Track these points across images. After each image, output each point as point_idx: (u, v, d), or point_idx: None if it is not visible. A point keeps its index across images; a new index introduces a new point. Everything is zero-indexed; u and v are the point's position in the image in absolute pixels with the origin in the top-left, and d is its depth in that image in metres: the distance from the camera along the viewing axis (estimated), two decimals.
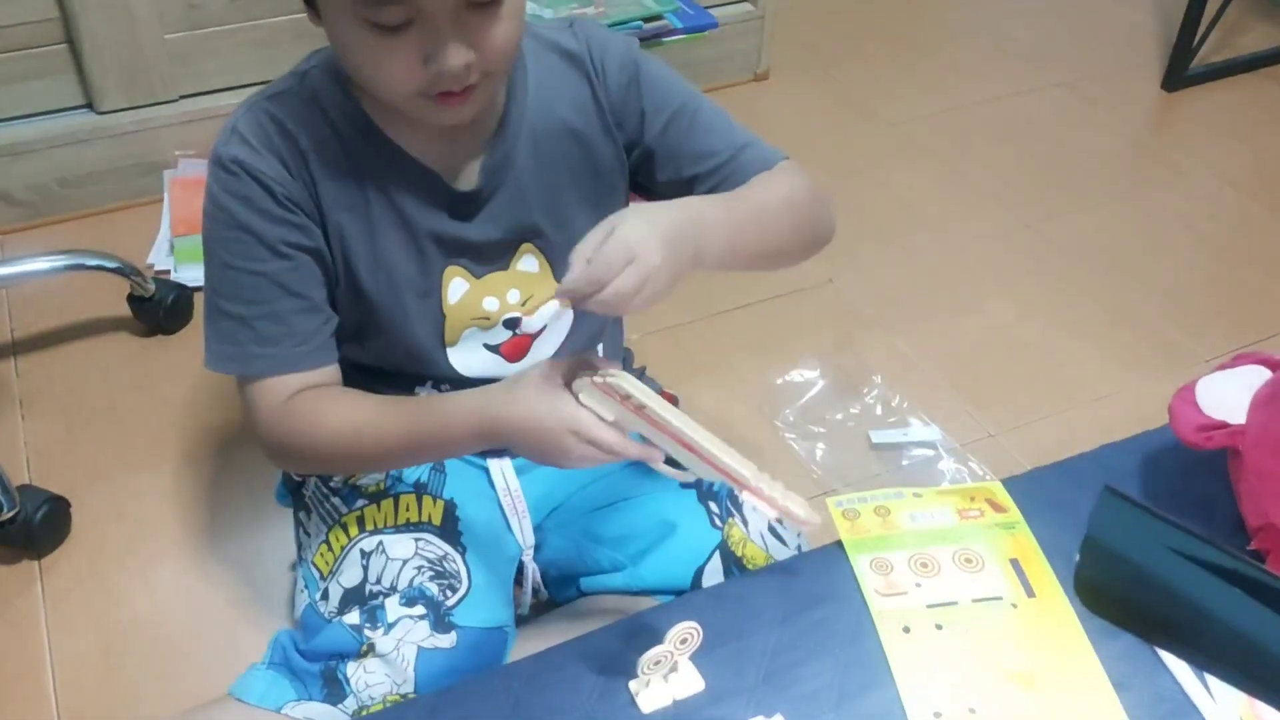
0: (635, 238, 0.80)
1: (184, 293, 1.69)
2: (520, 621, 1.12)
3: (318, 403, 0.95)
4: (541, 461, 0.88)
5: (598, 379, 0.83)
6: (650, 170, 1.03)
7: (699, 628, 0.82)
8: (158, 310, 1.67)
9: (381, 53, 0.83)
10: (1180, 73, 2.42)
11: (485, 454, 1.14)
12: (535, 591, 1.15)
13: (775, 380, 1.61)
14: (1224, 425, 0.93)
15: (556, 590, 1.17)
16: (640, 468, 1.15)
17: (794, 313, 1.78)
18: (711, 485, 1.12)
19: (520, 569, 1.12)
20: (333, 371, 0.98)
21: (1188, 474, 1.02)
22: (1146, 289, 1.86)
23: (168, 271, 1.79)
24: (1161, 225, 2.04)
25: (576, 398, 0.84)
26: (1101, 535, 0.46)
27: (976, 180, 2.15)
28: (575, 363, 0.86)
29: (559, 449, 0.84)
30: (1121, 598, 0.46)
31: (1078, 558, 0.45)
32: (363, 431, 0.94)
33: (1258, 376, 0.97)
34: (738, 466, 0.83)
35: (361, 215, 0.96)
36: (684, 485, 1.11)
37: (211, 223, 0.94)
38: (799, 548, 1.12)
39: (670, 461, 0.88)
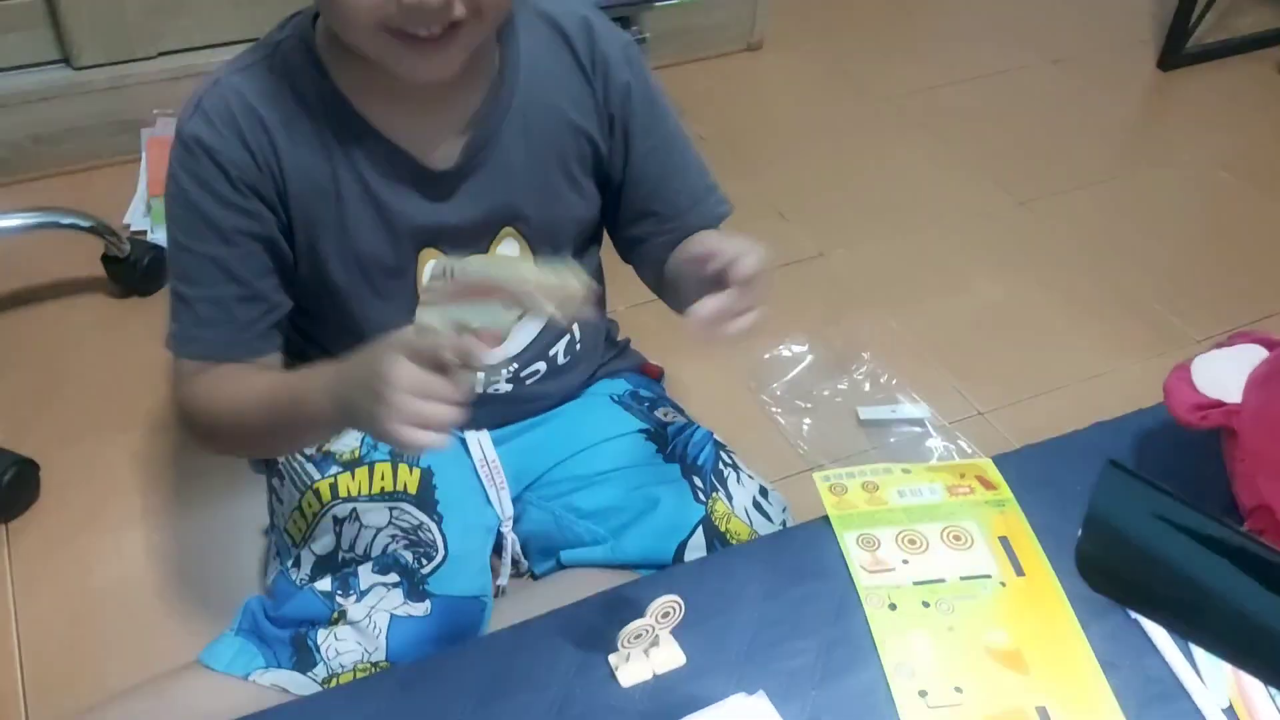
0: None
1: (160, 254, 1.65)
2: (499, 593, 1.10)
3: (217, 383, 0.92)
4: (367, 416, 0.71)
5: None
6: (617, 186, 1.02)
7: (681, 602, 0.80)
8: (133, 271, 1.63)
9: None
10: (1176, 52, 2.39)
11: (461, 426, 1.11)
12: (515, 563, 1.13)
13: (762, 355, 1.59)
14: (1219, 404, 0.91)
15: (537, 562, 1.15)
16: (624, 443, 1.14)
17: (783, 287, 1.73)
18: (695, 460, 1.10)
19: (499, 540, 1.10)
20: (271, 361, 0.94)
21: (1181, 453, 1.01)
22: (1139, 269, 1.84)
23: (144, 232, 1.75)
24: (1155, 206, 2.02)
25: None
26: (1104, 510, 0.44)
27: (970, 156, 2.12)
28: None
29: (377, 375, 0.70)
30: (1124, 574, 0.44)
31: (1080, 533, 0.43)
32: (246, 410, 0.89)
33: (1254, 355, 0.95)
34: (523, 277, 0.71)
35: (329, 196, 0.92)
36: (666, 460, 1.08)
37: (169, 197, 0.91)
38: (784, 523, 1.10)
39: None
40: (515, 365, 1.06)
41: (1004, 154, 2.13)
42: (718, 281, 0.78)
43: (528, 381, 1.08)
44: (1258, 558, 0.43)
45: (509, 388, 1.07)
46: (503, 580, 1.12)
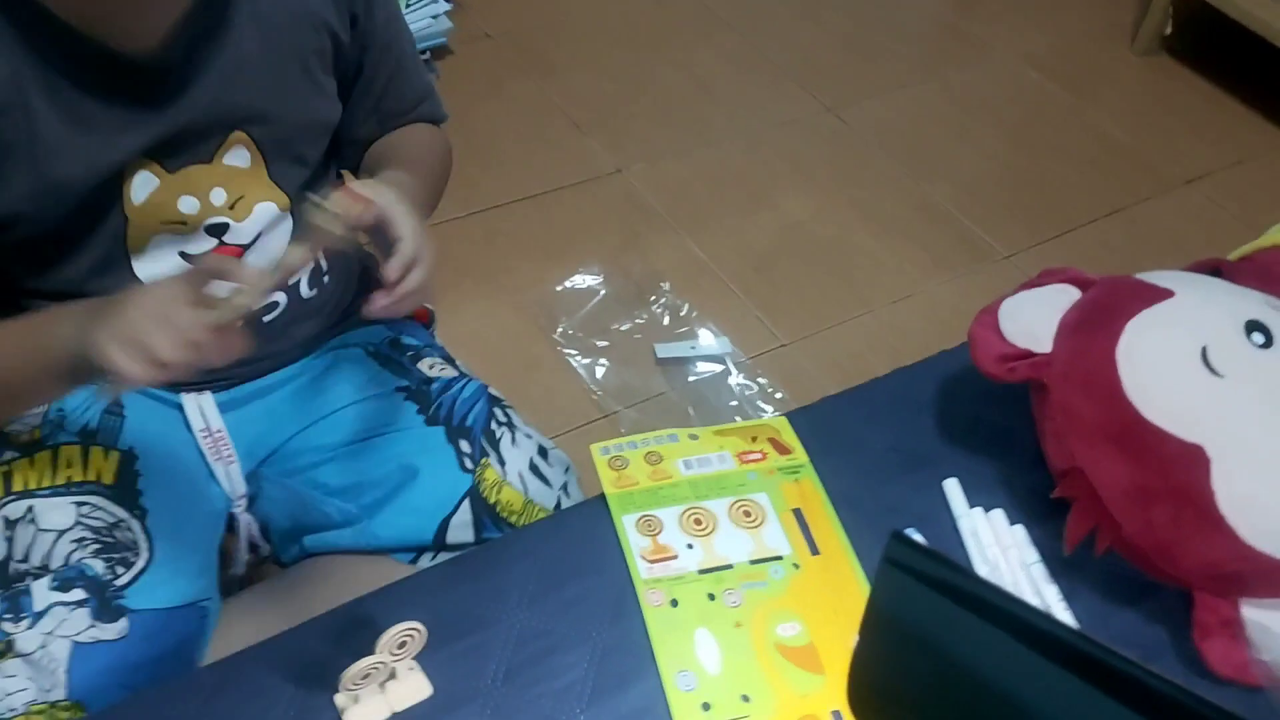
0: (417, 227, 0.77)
1: None
2: (238, 586, 0.94)
3: None
4: (96, 343, 0.68)
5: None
6: (350, 84, 0.94)
7: (421, 628, 0.67)
8: None
9: None
10: None
11: (178, 387, 0.94)
12: (254, 547, 0.97)
13: (554, 287, 1.44)
14: (1029, 355, 0.83)
15: (281, 548, 0.99)
16: (377, 405, 0.98)
17: (577, 208, 1.61)
18: (463, 421, 0.95)
19: (232, 522, 0.93)
20: None
21: (986, 401, 0.93)
22: (948, 181, 1.78)
23: None
24: (964, 109, 1.96)
25: None
26: (885, 613, 0.31)
27: (776, 59, 2.00)
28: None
29: (133, 303, 0.69)
30: (907, 691, 0.32)
31: (856, 638, 0.31)
32: None
33: (1066, 298, 0.86)
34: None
35: (15, 109, 0.75)
36: (429, 423, 0.95)
37: None
38: (564, 487, 0.97)
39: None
40: None
41: (811, 56, 2.02)
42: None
43: (264, 318, 0.91)
44: (1094, 660, 0.32)
45: (238, 325, 0.90)
46: (237, 569, 0.96)
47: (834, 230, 1.65)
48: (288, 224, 0.91)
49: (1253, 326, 0.78)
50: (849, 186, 1.74)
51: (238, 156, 0.86)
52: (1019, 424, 0.88)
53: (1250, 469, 0.74)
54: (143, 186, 0.82)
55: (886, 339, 0.99)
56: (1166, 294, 0.81)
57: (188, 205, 0.85)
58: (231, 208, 0.86)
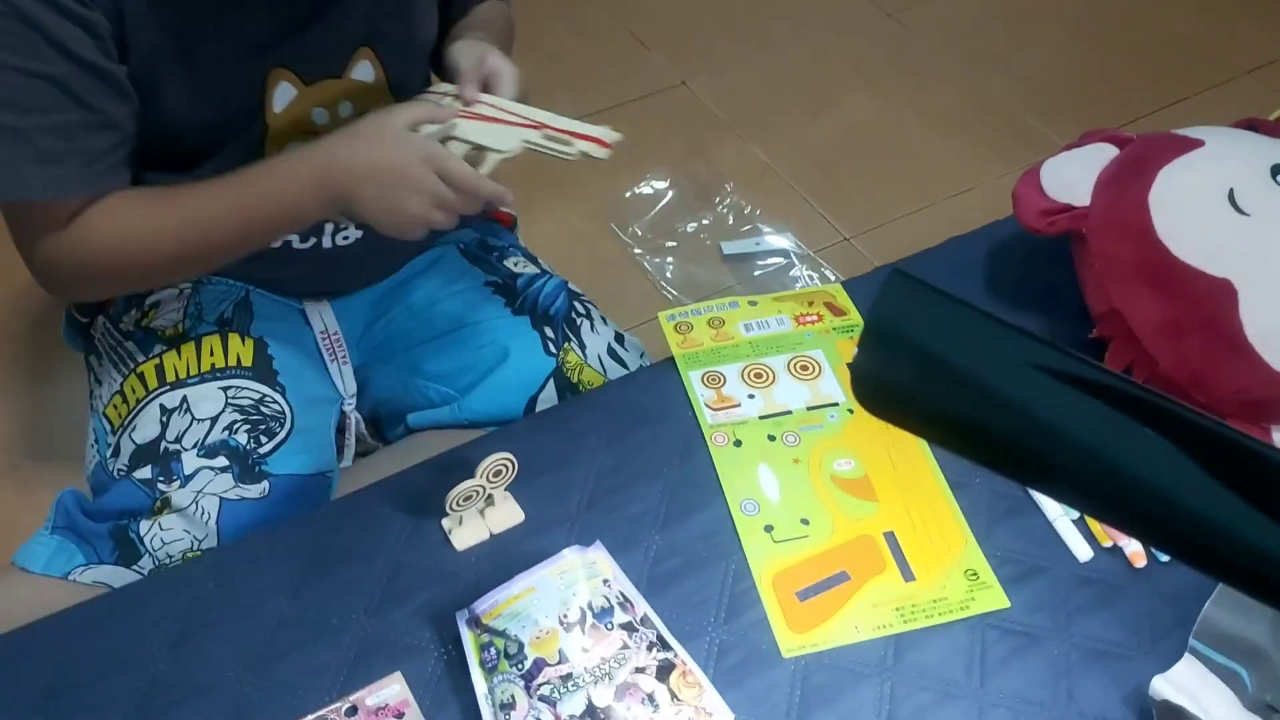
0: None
1: None
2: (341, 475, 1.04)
3: (115, 212, 0.82)
4: (386, 218, 0.79)
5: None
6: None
7: (513, 459, 0.76)
8: None
9: None
10: None
11: (300, 295, 1.03)
12: (360, 440, 1.07)
13: (623, 194, 1.51)
14: (1069, 209, 0.88)
15: (388, 428, 1.09)
16: (470, 298, 1.07)
17: (644, 119, 1.67)
18: (546, 311, 1.04)
19: (342, 419, 1.03)
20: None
21: (1032, 262, 0.98)
22: (1009, 77, 1.80)
23: None
24: (1022, 8, 1.96)
25: None
26: (886, 322, 0.39)
27: None
28: (416, 112, 0.81)
29: (408, 184, 0.77)
30: (905, 394, 0.39)
31: (855, 351, 0.38)
32: (182, 226, 0.82)
33: (1105, 155, 0.91)
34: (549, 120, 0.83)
35: (167, 18, 0.80)
36: (516, 313, 1.03)
37: None
38: (640, 369, 1.05)
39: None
40: None
41: None
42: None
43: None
44: (1071, 373, 0.39)
45: (360, 233, 0.99)
46: (346, 461, 1.06)
47: (894, 129, 1.69)
48: None
49: (1278, 170, 0.82)
50: (909, 87, 1.77)
51: (364, 71, 0.91)
52: (1063, 281, 0.93)
53: (1276, 301, 0.78)
54: (282, 96, 0.87)
55: (948, 231, 1.04)
56: (1197, 144, 0.86)
57: (320, 116, 0.90)
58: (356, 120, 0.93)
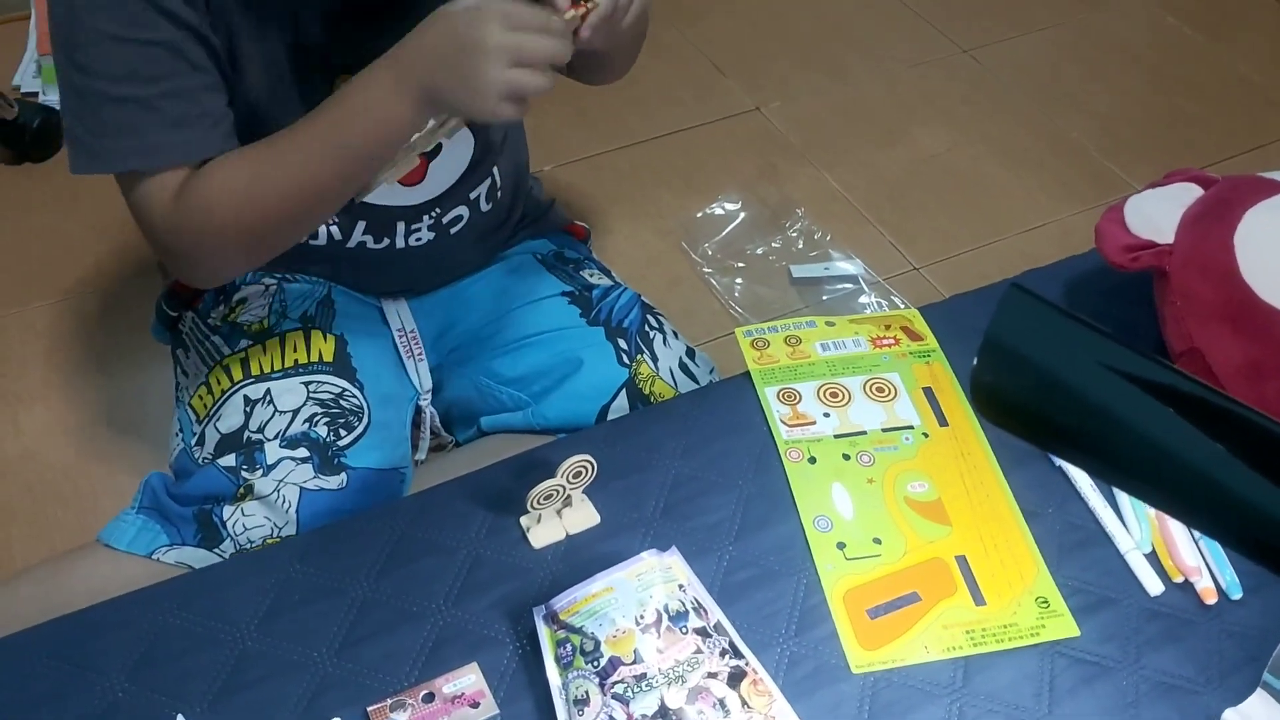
0: None
1: (52, 117, 1.54)
2: (416, 468, 1.07)
3: (220, 167, 0.82)
4: (469, 95, 0.75)
5: None
6: None
7: (593, 461, 0.77)
8: (22, 135, 1.52)
9: None
10: None
11: (379, 293, 1.06)
12: (435, 434, 1.09)
13: (695, 214, 1.53)
14: (1152, 245, 0.88)
15: (459, 430, 1.11)
16: (546, 307, 1.09)
17: (717, 142, 1.69)
18: (620, 323, 1.06)
19: (417, 415, 1.06)
20: None
21: (1111, 298, 0.98)
22: (1082, 118, 1.80)
23: (35, 94, 1.64)
24: (1099, 52, 1.96)
25: None
26: (1004, 336, 0.40)
27: (911, 4, 2.04)
28: None
29: (475, 47, 0.73)
30: (1021, 405, 0.40)
31: (975, 361, 0.39)
32: (286, 164, 0.82)
33: (1189, 195, 0.91)
34: None
35: (252, 7, 0.83)
36: (590, 324, 1.04)
37: None
38: (712, 384, 1.06)
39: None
40: (437, 210, 1.01)
41: (947, 1, 2.05)
42: None
43: (451, 230, 1.03)
44: (1171, 388, 0.40)
45: (431, 235, 1.02)
46: (421, 455, 1.08)
47: (967, 163, 1.70)
48: (468, 138, 1.00)
49: None
50: (982, 123, 1.78)
51: None
52: (1140, 318, 0.93)
53: None
54: None
55: (1018, 265, 1.04)
56: None
57: None
58: None
